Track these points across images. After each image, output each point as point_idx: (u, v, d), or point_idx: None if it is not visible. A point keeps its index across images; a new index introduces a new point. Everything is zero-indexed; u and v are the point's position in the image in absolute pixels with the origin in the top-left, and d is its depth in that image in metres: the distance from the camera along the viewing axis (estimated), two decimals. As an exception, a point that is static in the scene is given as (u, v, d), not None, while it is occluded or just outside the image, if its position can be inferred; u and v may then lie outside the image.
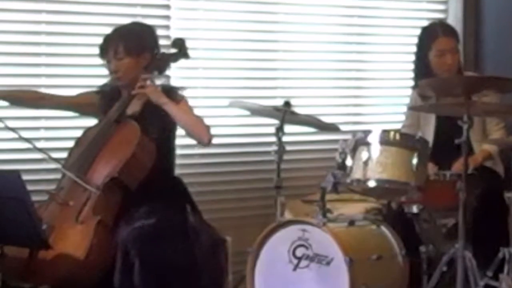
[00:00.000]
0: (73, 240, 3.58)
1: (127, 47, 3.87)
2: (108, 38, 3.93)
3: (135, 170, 3.77)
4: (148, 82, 3.87)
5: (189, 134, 3.91)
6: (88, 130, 3.97)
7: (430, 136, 4.51)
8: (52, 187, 3.87)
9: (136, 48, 3.89)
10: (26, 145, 4.14)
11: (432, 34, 4.56)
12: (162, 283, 3.61)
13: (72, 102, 4.09)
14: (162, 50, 4.07)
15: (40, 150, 3.90)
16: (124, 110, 3.87)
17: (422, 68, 4.56)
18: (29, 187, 3.34)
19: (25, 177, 3.32)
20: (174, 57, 4.06)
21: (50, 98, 4.09)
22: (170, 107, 3.83)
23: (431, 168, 4.17)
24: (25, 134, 4.23)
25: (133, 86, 3.88)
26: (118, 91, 3.97)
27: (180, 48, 4.04)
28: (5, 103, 4.00)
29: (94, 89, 4.12)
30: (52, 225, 3.57)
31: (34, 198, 3.42)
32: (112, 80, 4.00)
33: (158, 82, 4.08)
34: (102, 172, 3.74)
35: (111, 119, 3.86)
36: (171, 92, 3.96)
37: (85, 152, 3.82)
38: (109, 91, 4.03)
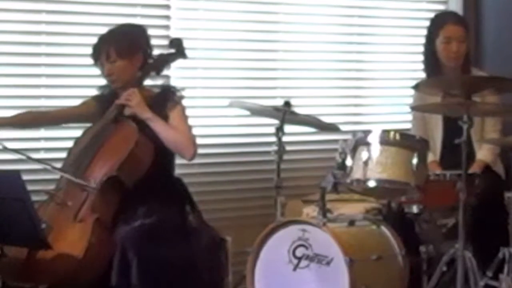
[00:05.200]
0: (71, 239, 3.57)
1: (118, 50, 3.86)
2: (98, 42, 3.93)
3: (133, 169, 3.77)
4: (134, 95, 3.84)
5: (172, 150, 3.91)
6: (87, 130, 3.97)
7: (438, 138, 4.53)
8: (52, 187, 3.87)
9: (127, 50, 3.89)
10: (26, 145, 4.16)
11: (440, 21, 4.58)
12: (159, 282, 3.61)
13: (71, 114, 4.09)
14: (161, 50, 4.06)
15: (38, 160, 3.93)
16: (122, 110, 3.87)
17: (430, 56, 4.57)
18: (29, 187, 3.34)
19: (25, 177, 3.32)
20: (172, 57, 4.05)
21: (49, 115, 4.11)
22: (153, 124, 3.83)
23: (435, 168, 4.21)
24: (25, 134, 4.26)
25: (128, 87, 3.88)
26: (116, 93, 3.96)
27: (178, 48, 4.03)
28: (3, 103, 4.02)
29: (93, 89, 4.11)
30: (51, 225, 3.57)
31: (34, 198, 3.42)
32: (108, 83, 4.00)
33: (156, 82, 4.09)
34: (100, 171, 3.74)
35: (109, 119, 3.86)
36: (167, 95, 3.95)
37: (83, 151, 3.82)
38: (107, 94, 4.03)
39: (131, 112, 3.86)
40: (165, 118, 3.88)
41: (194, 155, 3.90)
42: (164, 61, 4.03)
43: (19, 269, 3.52)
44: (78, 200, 3.69)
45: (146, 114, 3.84)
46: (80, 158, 3.80)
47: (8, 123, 3.97)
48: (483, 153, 4.48)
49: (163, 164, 3.92)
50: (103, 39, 3.93)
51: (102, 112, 3.96)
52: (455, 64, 4.53)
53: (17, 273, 3.52)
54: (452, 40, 4.50)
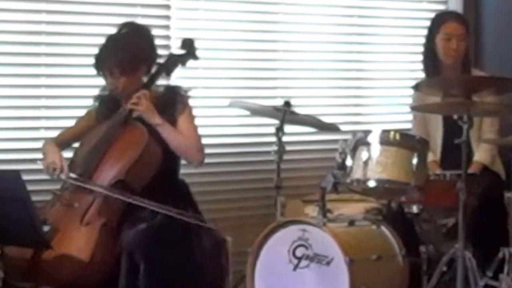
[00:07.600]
0: (78, 242, 3.56)
1: (121, 68, 3.78)
2: (100, 56, 3.83)
3: (141, 172, 3.75)
4: (143, 99, 3.81)
5: (180, 155, 3.90)
6: (93, 130, 3.91)
7: (439, 138, 4.53)
8: (52, 187, 3.86)
9: (131, 67, 3.80)
10: (26, 145, 4.16)
11: (442, 18, 4.61)
12: (166, 284, 3.60)
13: (83, 130, 4.00)
14: (160, 51, 4.05)
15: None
16: (131, 112, 3.83)
17: (429, 54, 4.58)
18: (29, 187, 3.34)
19: (25, 177, 3.32)
20: (183, 58, 4.03)
21: (68, 138, 4.01)
22: (162, 129, 3.81)
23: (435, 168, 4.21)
24: (25, 134, 4.27)
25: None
26: (118, 100, 3.93)
27: (189, 49, 4.02)
28: (3, 103, 4.02)
29: (93, 89, 4.10)
30: (57, 226, 3.56)
31: (35, 198, 3.42)
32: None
33: (162, 83, 4.07)
34: (108, 174, 3.71)
35: (118, 120, 3.82)
36: (176, 97, 3.92)
37: (91, 153, 3.78)
38: (107, 97, 3.99)
39: (140, 115, 3.83)
40: (174, 122, 3.86)
41: (202, 162, 3.90)
42: (175, 62, 4.00)
43: (24, 269, 3.51)
44: (85, 202, 3.67)
45: (156, 120, 3.80)
46: (87, 159, 3.77)
47: None
48: (480, 155, 4.48)
49: (170, 168, 3.90)
50: (105, 53, 3.83)
51: (102, 113, 3.94)
52: (454, 63, 4.53)
53: (21, 273, 3.51)
54: (452, 37, 4.51)
